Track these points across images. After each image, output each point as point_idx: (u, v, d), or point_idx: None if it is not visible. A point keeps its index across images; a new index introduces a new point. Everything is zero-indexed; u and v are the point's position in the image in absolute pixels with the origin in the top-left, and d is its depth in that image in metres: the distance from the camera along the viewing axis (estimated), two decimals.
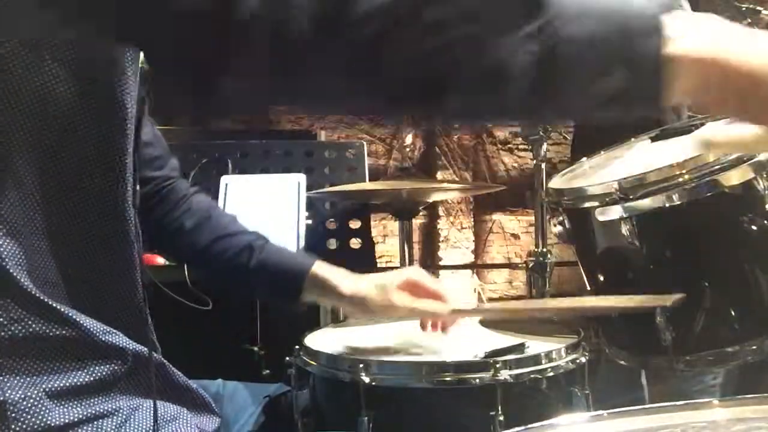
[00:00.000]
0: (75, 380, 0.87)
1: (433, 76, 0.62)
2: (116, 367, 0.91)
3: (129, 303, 0.97)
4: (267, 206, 1.93)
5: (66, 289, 0.89)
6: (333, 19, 0.59)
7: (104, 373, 0.89)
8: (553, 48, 0.60)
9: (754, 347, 1.27)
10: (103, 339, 0.90)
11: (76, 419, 0.86)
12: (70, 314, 0.87)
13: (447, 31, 0.60)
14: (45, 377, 0.85)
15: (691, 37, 0.62)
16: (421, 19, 0.59)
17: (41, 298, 0.85)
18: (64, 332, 0.87)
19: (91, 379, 0.88)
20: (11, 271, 0.84)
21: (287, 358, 1.28)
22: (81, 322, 0.88)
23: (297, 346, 1.28)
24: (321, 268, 1.26)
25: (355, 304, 1.26)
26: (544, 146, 2.20)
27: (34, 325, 0.85)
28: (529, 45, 0.60)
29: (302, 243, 1.90)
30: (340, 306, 1.29)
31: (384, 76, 0.62)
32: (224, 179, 1.99)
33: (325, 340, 1.32)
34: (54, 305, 0.86)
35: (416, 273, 1.27)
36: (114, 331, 0.91)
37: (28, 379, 0.84)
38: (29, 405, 0.83)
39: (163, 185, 1.31)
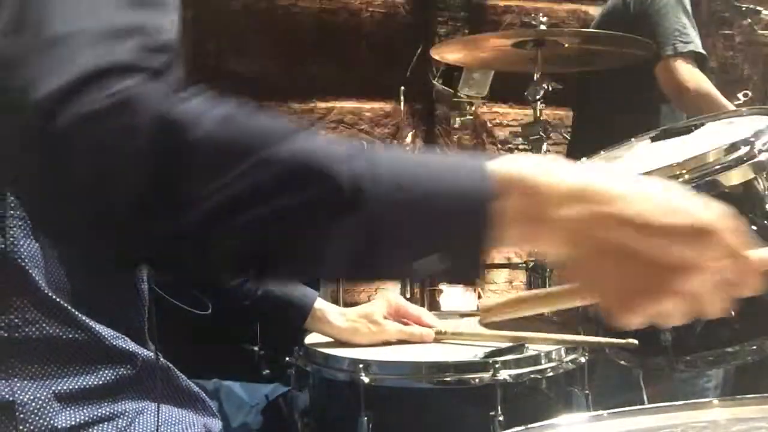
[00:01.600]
0: (84, 383, 0.87)
1: (260, 260, 0.65)
2: (125, 372, 0.91)
3: (134, 307, 0.98)
4: None
5: (76, 293, 0.89)
6: (158, 203, 0.60)
7: (113, 377, 0.90)
8: (372, 235, 0.62)
9: (754, 347, 1.27)
10: (114, 343, 0.90)
11: (82, 421, 0.86)
12: (83, 318, 0.87)
13: (265, 226, 0.62)
14: (54, 380, 0.86)
15: (513, 174, 0.63)
16: (246, 214, 0.61)
17: (57, 300, 0.86)
18: (76, 336, 0.87)
19: (100, 382, 0.89)
20: (30, 271, 0.84)
21: (287, 358, 1.28)
22: (93, 326, 0.88)
23: (297, 346, 1.28)
24: (319, 302, 1.35)
25: (349, 335, 1.32)
26: (544, 146, 2.20)
27: (48, 328, 0.86)
28: (346, 237, 0.62)
29: None
30: (333, 336, 1.33)
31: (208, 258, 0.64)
32: None
33: (325, 340, 1.33)
34: (69, 308, 0.87)
35: (395, 298, 1.39)
36: (123, 336, 0.92)
37: (38, 380, 0.85)
38: (37, 406, 0.83)
39: None
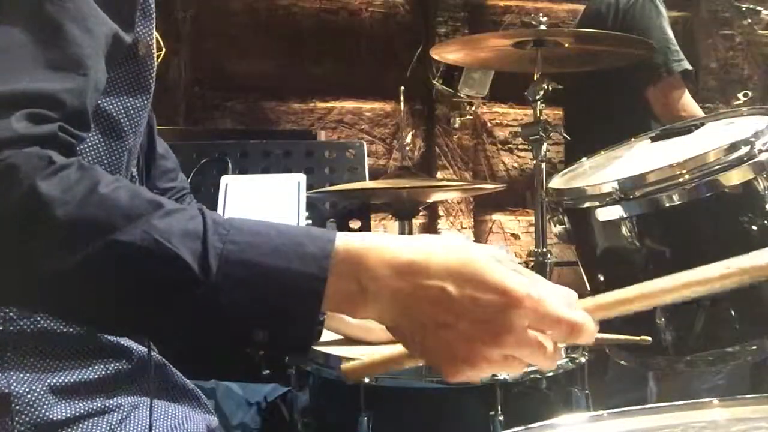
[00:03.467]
0: (79, 377, 0.88)
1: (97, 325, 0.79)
2: (120, 366, 0.92)
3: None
4: (267, 206, 1.93)
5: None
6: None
7: (108, 371, 0.90)
8: (213, 310, 0.68)
9: (754, 347, 1.27)
10: (109, 338, 0.90)
11: (77, 414, 0.86)
12: None
13: (108, 302, 0.69)
14: (50, 373, 0.86)
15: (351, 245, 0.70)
16: (90, 283, 0.68)
17: None
18: (71, 330, 0.87)
19: (95, 376, 0.89)
20: None
21: (287, 358, 1.28)
22: None
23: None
24: None
25: (361, 333, 1.31)
26: (544, 146, 2.20)
27: (42, 322, 0.86)
28: (188, 311, 0.68)
29: None
30: (345, 333, 1.32)
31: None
32: (224, 179, 1.99)
33: (325, 340, 1.33)
34: None
35: None
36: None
37: (34, 373, 0.85)
38: (33, 398, 0.84)
39: (176, 197, 1.32)
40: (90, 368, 0.89)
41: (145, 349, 0.94)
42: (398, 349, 0.77)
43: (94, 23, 0.77)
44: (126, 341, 0.92)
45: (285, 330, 0.70)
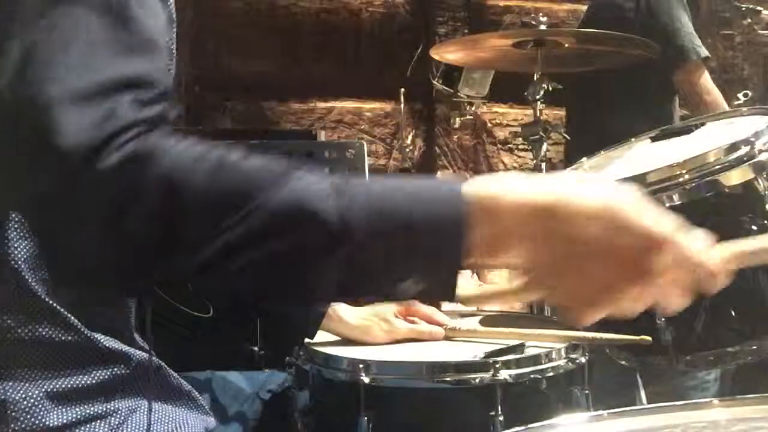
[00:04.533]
0: (76, 383, 0.87)
1: (255, 296, 0.78)
2: (118, 372, 0.91)
3: (130, 308, 0.98)
4: None
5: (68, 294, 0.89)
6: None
7: (106, 376, 0.90)
8: (358, 265, 0.68)
9: (754, 347, 1.27)
10: (108, 345, 0.90)
11: (74, 420, 0.86)
12: (75, 321, 0.87)
13: (261, 269, 0.68)
14: (47, 380, 0.85)
15: (489, 191, 0.69)
16: (241, 259, 0.67)
17: (50, 302, 0.85)
18: (69, 338, 0.87)
19: (93, 382, 0.89)
20: (24, 274, 0.84)
21: (287, 358, 1.28)
22: (86, 329, 0.88)
23: (297, 346, 1.28)
24: None
25: (361, 334, 1.33)
26: (544, 146, 2.20)
27: (40, 329, 0.85)
28: (336, 270, 0.68)
29: None
30: (344, 335, 1.33)
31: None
32: None
33: (325, 340, 1.33)
34: (62, 311, 0.86)
35: None
36: (116, 338, 0.92)
37: (30, 380, 0.85)
38: (29, 405, 0.83)
39: None
40: (88, 374, 0.88)
41: (144, 354, 0.94)
42: (511, 285, 0.76)
43: (157, 12, 0.77)
44: (122, 346, 0.92)
45: (434, 276, 0.70)
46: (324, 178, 0.69)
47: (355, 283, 0.71)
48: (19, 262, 0.83)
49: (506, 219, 0.68)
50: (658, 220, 0.69)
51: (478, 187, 0.69)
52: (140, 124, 0.67)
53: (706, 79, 2.67)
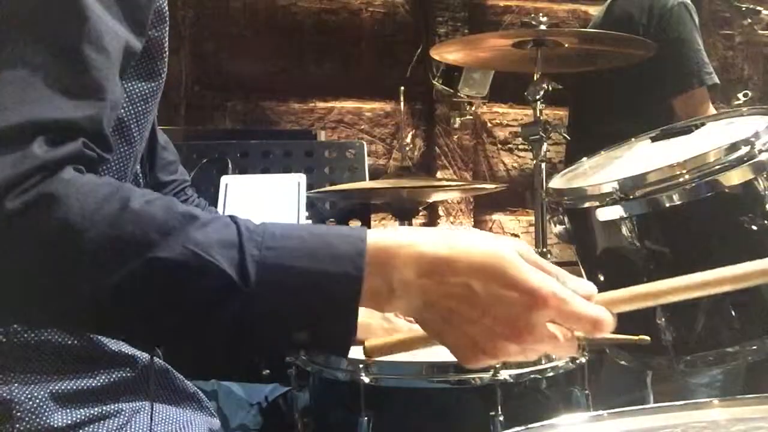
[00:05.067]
0: (81, 384, 0.88)
1: (147, 341, 0.85)
2: (123, 374, 0.91)
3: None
4: (267, 206, 1.93)
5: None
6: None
7: (111, 378, 0.90)
8: (254, 314, 0.69)
9: (754, 347, 1.27)
10: (114, 348, 0.90)
11: (78, 420, 0.86)
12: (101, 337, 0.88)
13: (156, 315, 0.70)
14: (52, 381, 0.86)
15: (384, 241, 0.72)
16: (133, 306, 0.69)
17: None
18: (75, 342, 0.87)
19: (98, 383, 0.89)
20: None
21: (287, 358, 1.28)
22: (108, 341, 0.89)
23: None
24: None
25: (361, 332, 1.30)
26: (544, 146, 2.20)
27: (46, 333, 0.86)
28: (230, 318, 0.69)
29: None
30: None
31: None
32: (224, 179, 1.99)
33: None
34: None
35: None
36: (120, 341, 0.92)
37: (36, 381, 0.85)
38: (34, 405, 0.84)
39: (177, 190, 1.32)
40: (92, 376, 0.89)
41: (148, 356, 0.94)
42: (420, 332, 0.78)
43: (109, 41, 0.76)
44: (129, 349, 0.92)
45: (326, 330, 0.72)
46: (226, 227, 0.70)
47: (249, 334, 0.70)
48: None
49: (397, 272, 0.71)
50: (539, 276, 0.71)
51: (376, 239, 0.72)
52: (49, 165, 0.67)
53: (706, 109, 2.57)
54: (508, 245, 0.72)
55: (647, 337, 1.22)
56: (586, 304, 0.73)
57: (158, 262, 0.66)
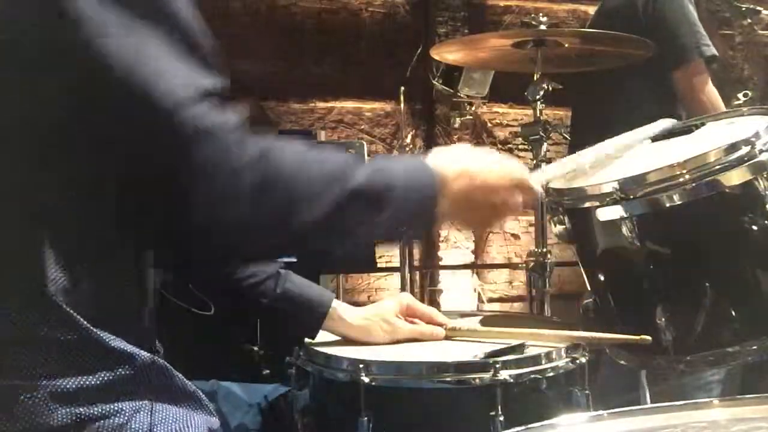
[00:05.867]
0: (81, 383, 0.87)
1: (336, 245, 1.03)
2: (123, 372, 0.91)
3: (139, 308, 0.98)
4: None
5: (78, 293, 0.89)
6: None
7: (111, 377, 0.90)
8: (381, 219, 0.99)
9: (754, 347, 1.27)
10: (113, 345, 0.90)
11: (78, 419, 0.86)
12: (80, 320, 0.87)
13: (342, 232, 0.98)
14: (51, 380, 0.86)
15: (449, 165, 1.08)
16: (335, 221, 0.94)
17: (56, 300, 0.86)
18: (74, 336, 0.87)
19: (97, 382, 0.89)
20: (53, 297, 0.85)
21: (287, 358, 1.28)
22: (91, 328, 0.88)
23: (297, 346, 1.28)
24: (335, 301, 1.37)
25: (362, 334, 1.34)
26: (544, 146, 2.20)
27: (45, 329, 0.86)
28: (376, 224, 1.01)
29: None
30: (346, 335, 1.33)
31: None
32: None
33: (325, 340, 1.33)
34: (69, 311, 0.86)
35: (407, 298, 1.42)
36: (122, 337, 0.92)
37: (35, 379, 0.85)
38: (33, 404, 0.84)
39: None
40: (92, 374, 0.88)
41: (149, 354, 0.94)
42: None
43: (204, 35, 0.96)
44: (129, 347, 0.92)
45: (419, 223, 1.10)
46: (368, 166, 0.98)
47: (378, 231, 1.07)
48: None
49: (450, 180, 1.07)
50: (519, 171, 1.16)
51: (434, 159, 1.08)
52: (224, 127, 0.86)
53: (706, 82, 2.64)
54: (476, 160, 1.12)
55: (648, 337, 1.22)
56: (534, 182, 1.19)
57: (355, 194, 0.93)
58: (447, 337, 1.34)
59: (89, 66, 0.81)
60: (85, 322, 0.88)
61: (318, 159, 0.93)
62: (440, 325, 1.36)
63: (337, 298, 1.38)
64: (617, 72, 2.53)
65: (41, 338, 0.86)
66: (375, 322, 1.33)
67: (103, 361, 0.89)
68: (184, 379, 1.01)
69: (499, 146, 4.32)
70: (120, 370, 0.91)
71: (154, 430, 0.92)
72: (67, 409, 0.86)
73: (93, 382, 0.88)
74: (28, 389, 0.84)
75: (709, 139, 1.43)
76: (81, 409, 0.87)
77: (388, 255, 4.12)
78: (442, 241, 4.49)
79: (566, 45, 2.27)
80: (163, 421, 0.94)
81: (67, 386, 0.86)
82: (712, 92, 2.63)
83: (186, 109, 0.82)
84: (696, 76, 2.61)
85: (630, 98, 2.62)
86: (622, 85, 2.64)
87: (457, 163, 1.10)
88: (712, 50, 2.63)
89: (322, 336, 1.36)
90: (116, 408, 0.90)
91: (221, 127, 0.85)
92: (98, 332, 0.89)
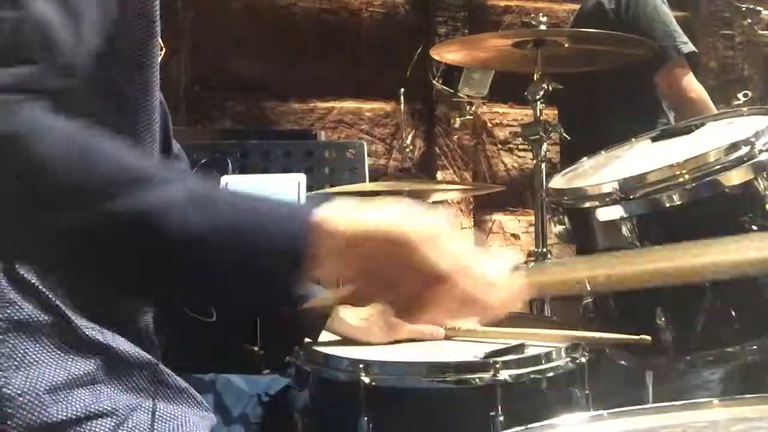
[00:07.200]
0: (75, 378, 0.87)
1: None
2: (122, 370, 0.91)
3: (138, 307, 0.98)
4: None
5: (73, 290, 0.89)
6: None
7: (109, 375, 0.90)
8: (197, 278, 0.75)
9: (755, 347, 1.27)
10: (102, 340, 0.90)
11: (74, 417, 0.86)
12: (72, 315, 0.87)
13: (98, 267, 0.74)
14: (47, 377, 0.86)
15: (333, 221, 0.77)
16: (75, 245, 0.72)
17: (48, 296, 0.86)
18: (73, 336, 0.87)
19: (96, 379, 0.89)
20: (26, 276, 0.84)
21: (287, 358, 1.28)
22: (86, 324, 0.88)
23: (297, 346, 1.28)
24: None
25: (362, 334, 1.32)
26: (544, 146, 2.20)
27: (40, 321, 0.86)
28: (172, 277, 0.75)
29: None
30: (345, 335, 1.33)
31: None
32: (224, 179, 1.99)
33: (325, 340, 1.33)
34: (62, 307, 0.86)
35: None
36: (117, 335, 0.92)
37: (28, 376, 0.85)
38: (26, 401, 0.84)
39: None
40: (85, 369, 0.89)
41: (146, 353, 0.94)
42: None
43: None
44: (126, 345, 0.92)
45: (272, 292, 0.79)
46: (180, 190, 0.72)
47: (194, 294, 0.79)
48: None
49: (343, 240, 0.77)
50: (447, 254, 0.78)
51: (324, 212, 0.78)
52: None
53: (689, 78, 2.62)
54: (417, 223, 0.79)
55: (648, 337, 1.22)
56: (484, 289, 0.80)
57: (109, 217, 0.69)
58: (447, 337, 1.34)
59: None
60: (82, 320, 0.88)
61: (110, 153, 0.72)
62: (440, 324, 1.36)
63: None
64: (600, 76, 2.53)
65: (33, 330, 0.85)
66: (375, 322, 1.33)
67: (100, 357, 0.89)
68: (177, 378, 1.01)
69: (499, 146, 4.32)
70: (118, 367, 0.91)
71: (154, 427, 0.92)
72: (63, 406, 0.86)
73: (86, 378, 0.88)
74: (20, 386, 0.84)
75: (709, 139, 1.43)
76: (77, 406, 0.87)
77: None
78: None
79: (566, 45, 2.27)
80: (161, 418, 0.94)
81: (61, 382, 0.86)
82: (699, 89, 2.62)
83: None
84: (677, 75, 2.61)
85: (612, 106, 2.63)
86: (609, 89, 2.64)
87: (366, 220, 0.79)
88: (690, 47, 2.63)
89: (322, 336, 1.36)
90: (113, 406, 0.90)
91: None
92: (93, 329, 0.89)
